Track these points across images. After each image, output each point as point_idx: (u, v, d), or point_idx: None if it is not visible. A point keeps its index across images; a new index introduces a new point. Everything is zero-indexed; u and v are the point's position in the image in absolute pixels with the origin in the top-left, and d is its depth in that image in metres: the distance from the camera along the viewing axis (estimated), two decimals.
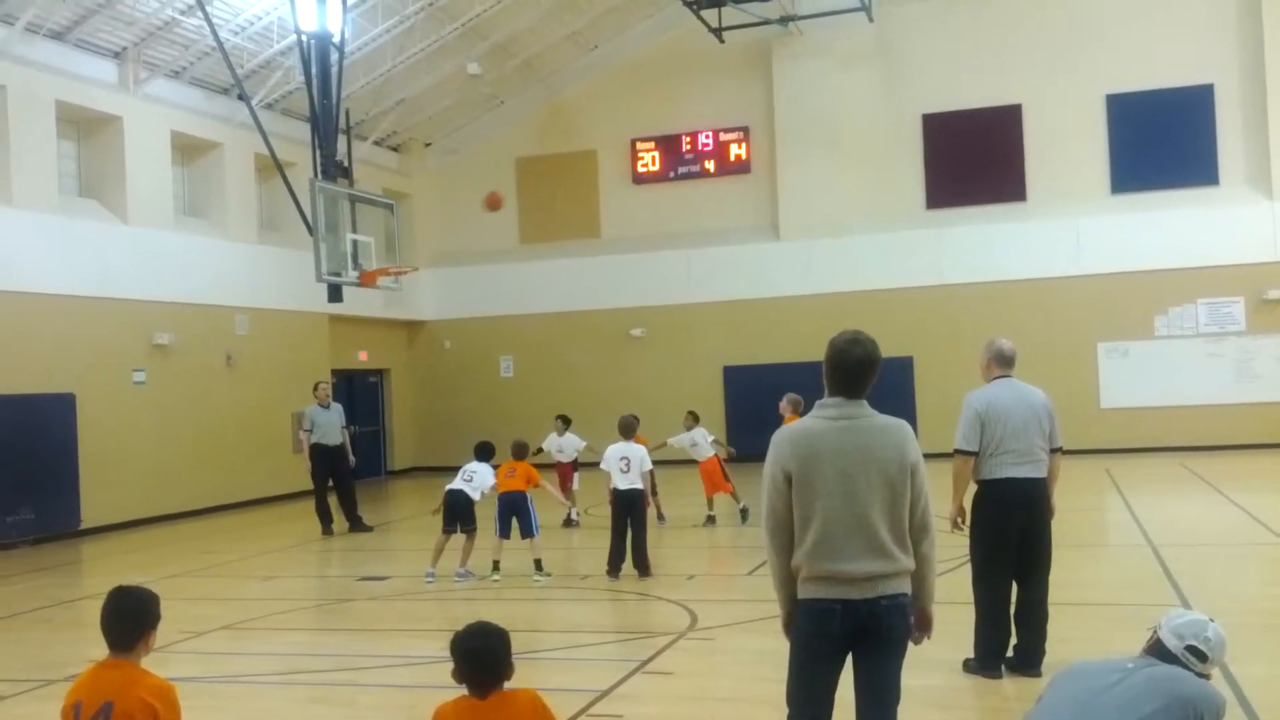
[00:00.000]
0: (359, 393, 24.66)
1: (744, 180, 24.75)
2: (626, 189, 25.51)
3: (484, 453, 11.86)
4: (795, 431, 4.38)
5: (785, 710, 4.42)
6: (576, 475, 15.55)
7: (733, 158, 24.77)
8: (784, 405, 13.05)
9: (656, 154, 25.20)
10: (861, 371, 4.31)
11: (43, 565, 14.18)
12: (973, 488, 7.03)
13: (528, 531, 11.22)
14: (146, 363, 18.30)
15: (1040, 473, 6.90)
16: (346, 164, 16.78)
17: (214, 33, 16.57)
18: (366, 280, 16.33)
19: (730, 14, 22.25)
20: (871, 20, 22.50)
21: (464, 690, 3.76)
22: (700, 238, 24.67)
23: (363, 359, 24.74)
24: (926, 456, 4.40)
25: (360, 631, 9.68)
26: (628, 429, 11.62)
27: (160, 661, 7.40)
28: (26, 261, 16.15)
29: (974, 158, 23.20)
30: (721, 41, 22.99)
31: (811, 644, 4.31)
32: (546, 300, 25.43)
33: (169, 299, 18.66)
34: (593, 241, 25.58)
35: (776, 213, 24.42)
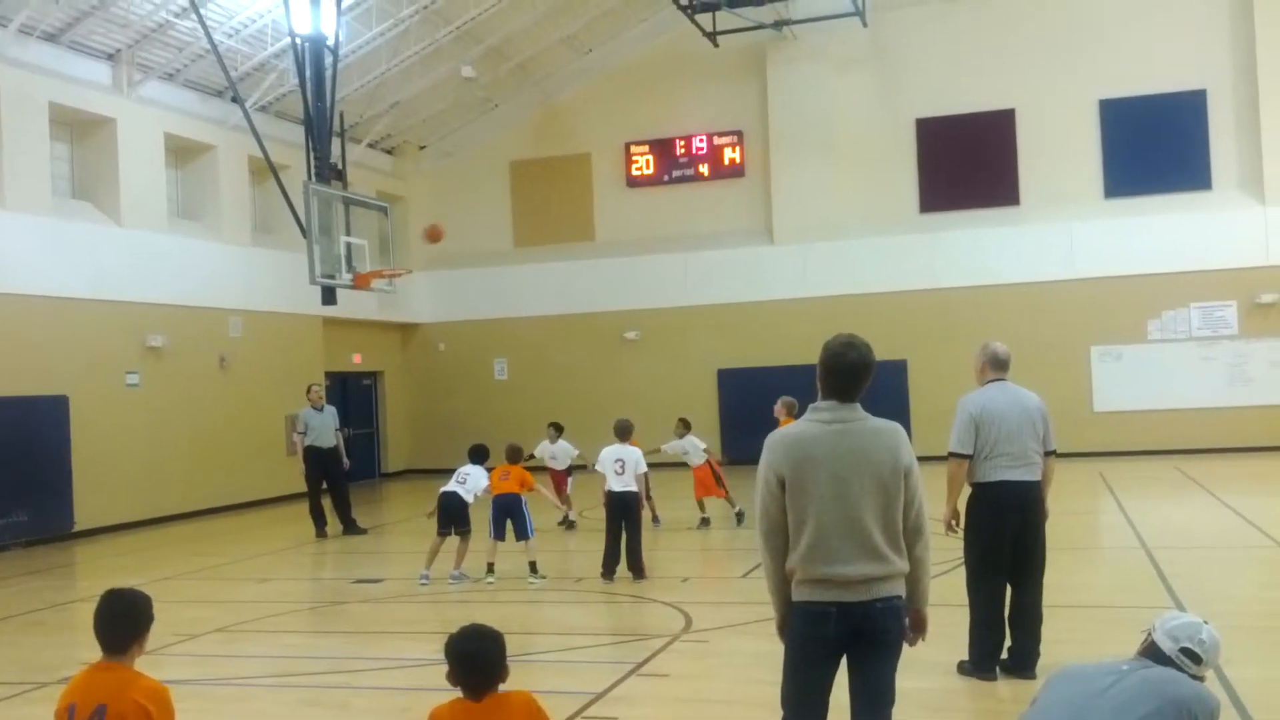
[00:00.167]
0: (353, 395, 24.65)
1: (738, 184, 24.77)
2: (621, 192, 25.52)
3: (478, 455, 11.89)
4: (788, 435, 4.38)
5: (780, 713, 4.43)
6: (570, 480, 15.56)
7: (727, 162, 24.78)
8: (779, 408, 13.08)
9: (651, 157, 25.21)
10: (855, 375, 4.32)
11: (36, 568, 14.14)
12: (967, 490, 7.04)
13: (522, 534, 11.22)
14: (140, 365, 18.27)
15: (1034, 476, 6.91)
16: (340, 167, 16.76)
17: (208, 35, 16.55)
18: (360, 283, 16.31)
19: (725, 18, 22.28)
20: (865, 25, 22.53)
21: (459, 693, 3.75)
22: (694, 241, 24.68)
23: (357, 361, 24.72)
24: (920, 459, 4.41)
25: (355, 634, 9.66)
26: (623, 431, 11.63)
27: (154, 664, 7.39)
28: (20, 263, 16.12)
29: (968, 162, 23.25)
30: (716, 45, 23.02)
31: (806, 646, 4.31)
32: (541, 303, 25.43)
33: (163, 301, 18.63)
34: (587, 244, 25.59)
35: (770, 216, 24.44)
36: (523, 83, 25.28)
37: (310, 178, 15.89)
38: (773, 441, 4.39)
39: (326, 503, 15.95)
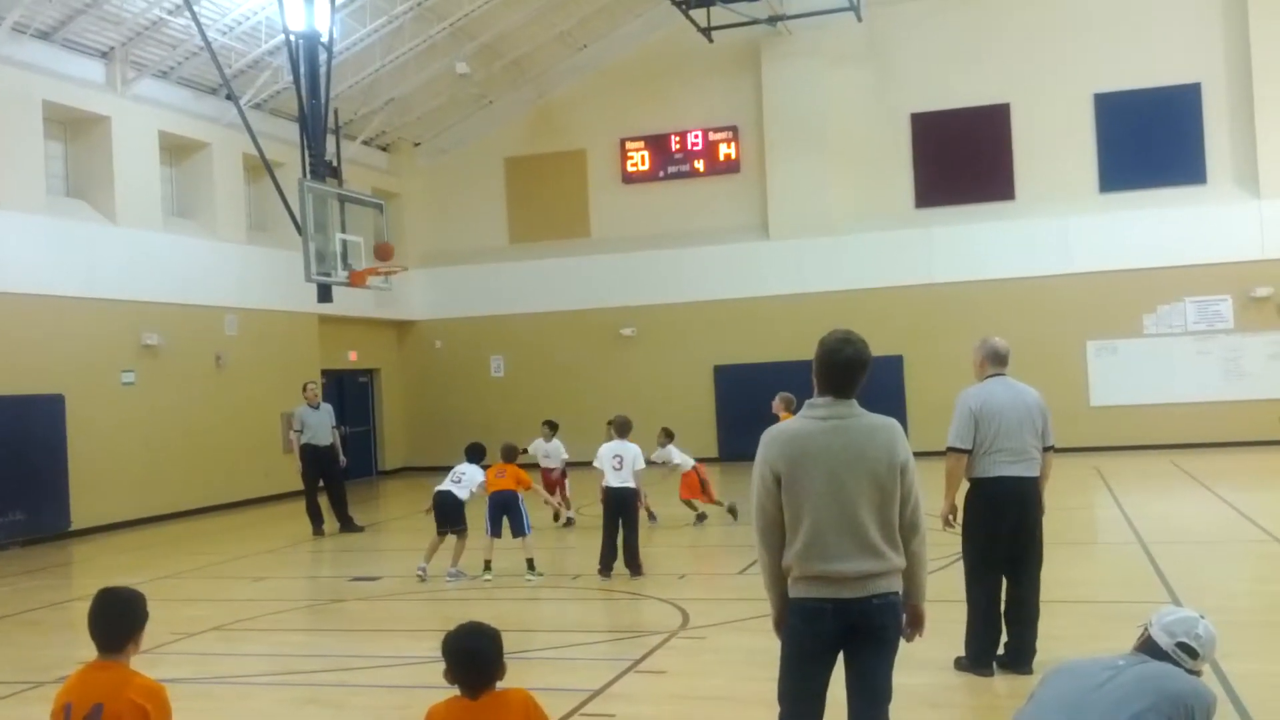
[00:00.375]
0: (349, 393, 24.62)
1: (733, 180, 24.76)
2: (616, 188, 25.50)
3: (475, 454, 11.88)
4: (784, 432, 4.37)
5: (777, 709, 4.43)
6: (566, 482, 15.52)
7: (722, 157, 24.78)
8: (777, 404, 13.09)
9: (646, 153, 25.19)
10: (851, 371, 4.32)
11: (32, 567, 14.12)
12: (964, 486, 7.04)
13: (519, 531, 11.22)
14: (135, 363, 18.24)
15: (1033, 471, 6.91)
16: (335, 164, 16.73)
17: (202, 32, 16.53)
18: (356, 280, 16.28)
19: (719, 14, 22.24)
20: (860, 20, 22.51)
21: (456, 691, 3.75)
22: (690, 237, 24.67)
23: (353, 359, 24.70)
24: (916, 455, 4.41)
25: (352, 632, 9.66)
26: (622, 428, 11.64)
27: (151, 662, 7.39)
28: (14, 262, 16.09)
29: (963, 157, 23.26)
30: (710, 41, 22.98)
31: (803, 643, 4.31)
32: (537, 300, 25.41)
33: (158, 299, 18.61)
34: (583, 241, 25.57)
35: (766, 212, 24.43)
36: (517, 79, 25.25)
37: (305, 175, 15.86)
38: (768, 438, 4.38)
39: (323, 501, 15.94)
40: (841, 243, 23.57)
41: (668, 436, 15.08)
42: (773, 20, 22.83)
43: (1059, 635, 7.29)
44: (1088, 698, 3.85)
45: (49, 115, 17.23)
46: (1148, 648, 4.06)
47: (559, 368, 25.01)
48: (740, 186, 24.73)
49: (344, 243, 16.27)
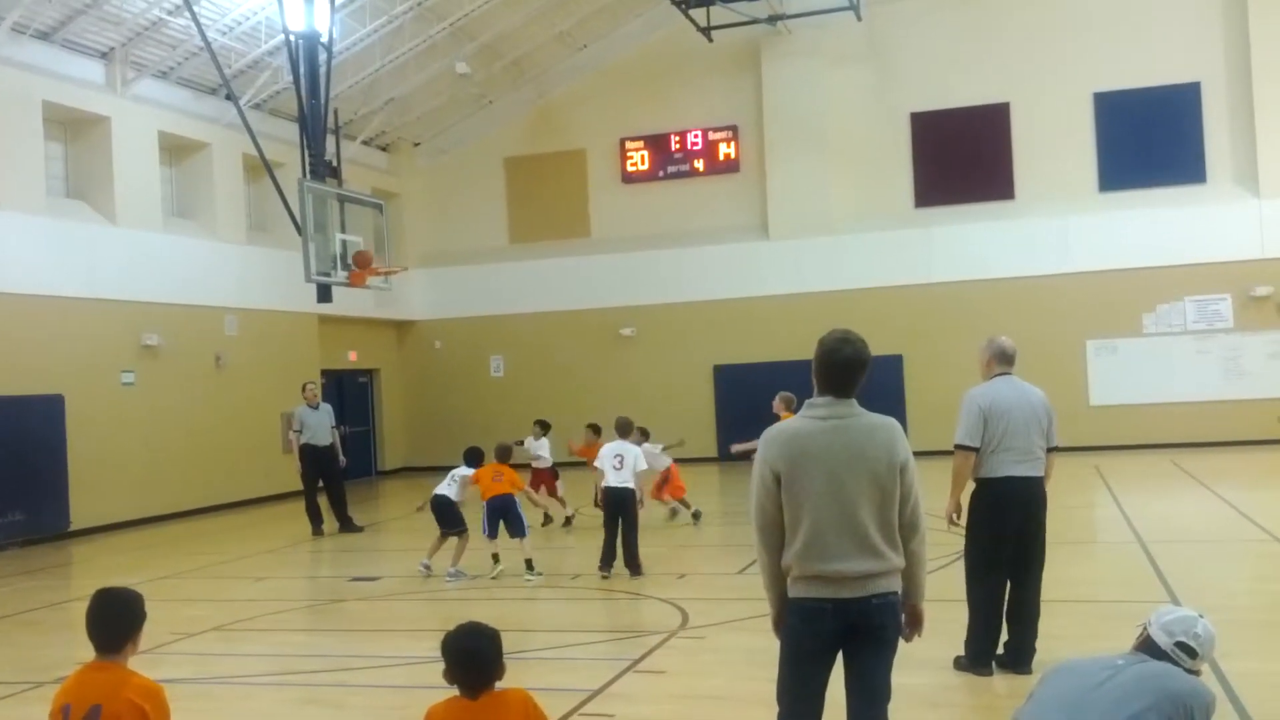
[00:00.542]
0: (349, 393, 24.61)
1: (733, 179, 24.76)
2: (616, 188, 25.50)
3: (473, 458, 11.87)
4: (784, 431, 4.37)
5: (776, 709, 4.42)
6: (560, 484, 15.44)
7: (722, 157, 24.78)
8: (777, 404, 13.07)
9: (646, 153, 25.20)
10: (851, 370, 4.31)
11: (32, 567, 14.12)
12: (970, 484, 7.03)
13: (517, 532, 11.24)
14: (135, 364, 18.24)
15: (1038, 471, 6.92)
16: (335, 164, 16.72)
17: (201, 33, 16.52)
18: (356, 280, 16.26)
19: (719, 13, 22.24)
20: (860, 19, 22.51)
21: (455, 691, 3.75)
22: (690, 237, 24.66)
23: (352, 359, 24.70)
24: (916, 454, 4.41)
25: (351, 632, 9.66)
26: (624, 428, 11.67)
27: (151, 663, 7.40)
28: (14, 262, 16.09)
29: (962, 156, 23.26)
30: (710, 41, 22.98)
31: (802, 642, 4.31)
32: (536, 300, 25.41)
33: (158, 300, 18.61)
34: (582, 241, 25.56)
35: (766, 212, 24.43)
36: (517, 79, 25.25)
37: (305, 175, 15.85)
38: (768, 438, 4.38)
39: (323, 501, 15.94)
40: (841, 242, 23.56)
41: (644, 435, 15.00)
42: (772, 20, 22.84)
43: (1059, 635, 7.28)
44: (1087, 697, 3.85)
45: (49, 115, 17.24)
46: (1147, 647, 4.06)
47: (559, 368, 25.01)
48: (740, 186, 24.72)
49: (344, 243, 16.26)
